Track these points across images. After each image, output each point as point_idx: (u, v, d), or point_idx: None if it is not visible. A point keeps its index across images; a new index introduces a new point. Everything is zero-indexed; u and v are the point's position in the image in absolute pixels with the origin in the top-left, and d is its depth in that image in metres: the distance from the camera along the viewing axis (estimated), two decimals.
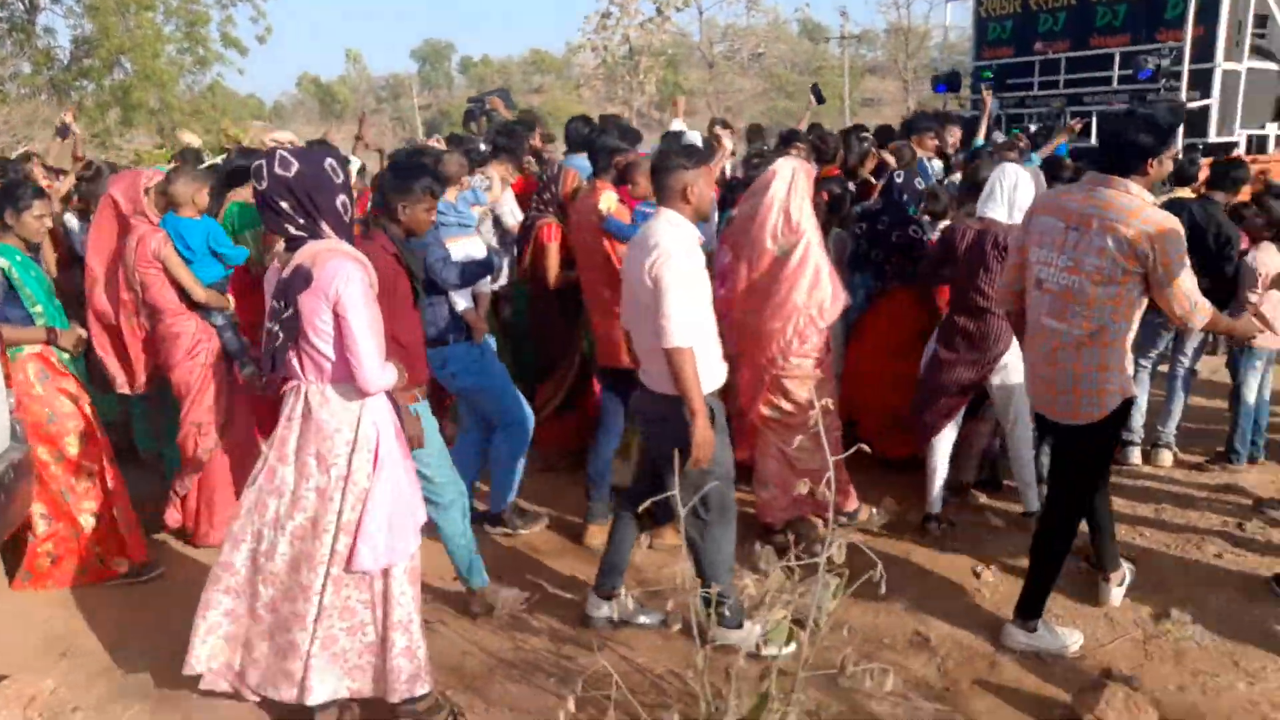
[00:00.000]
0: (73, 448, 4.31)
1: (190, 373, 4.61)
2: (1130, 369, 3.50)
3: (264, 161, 2.99)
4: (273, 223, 3.04)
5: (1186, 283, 3.27)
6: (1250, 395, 5.25)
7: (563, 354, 5.29)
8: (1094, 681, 3.34)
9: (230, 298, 4.75)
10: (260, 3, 27.37)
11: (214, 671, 3.26)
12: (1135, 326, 3.44)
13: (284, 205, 2.98)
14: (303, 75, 55.30)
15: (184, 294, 4.54)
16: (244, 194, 5.17)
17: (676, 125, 7.50)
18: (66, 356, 4.37)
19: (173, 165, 5.57)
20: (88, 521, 4.36)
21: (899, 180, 5.38)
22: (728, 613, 3.60)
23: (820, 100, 8.95)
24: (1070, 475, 3.68)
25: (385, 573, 3.14)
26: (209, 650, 3.23)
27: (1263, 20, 9.44)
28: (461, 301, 4.47)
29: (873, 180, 6.40)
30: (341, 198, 3.05)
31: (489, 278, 4.69)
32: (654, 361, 3.52)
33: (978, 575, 4.33)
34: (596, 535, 4.65)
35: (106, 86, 24.49)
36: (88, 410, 4.38)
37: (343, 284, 2.93)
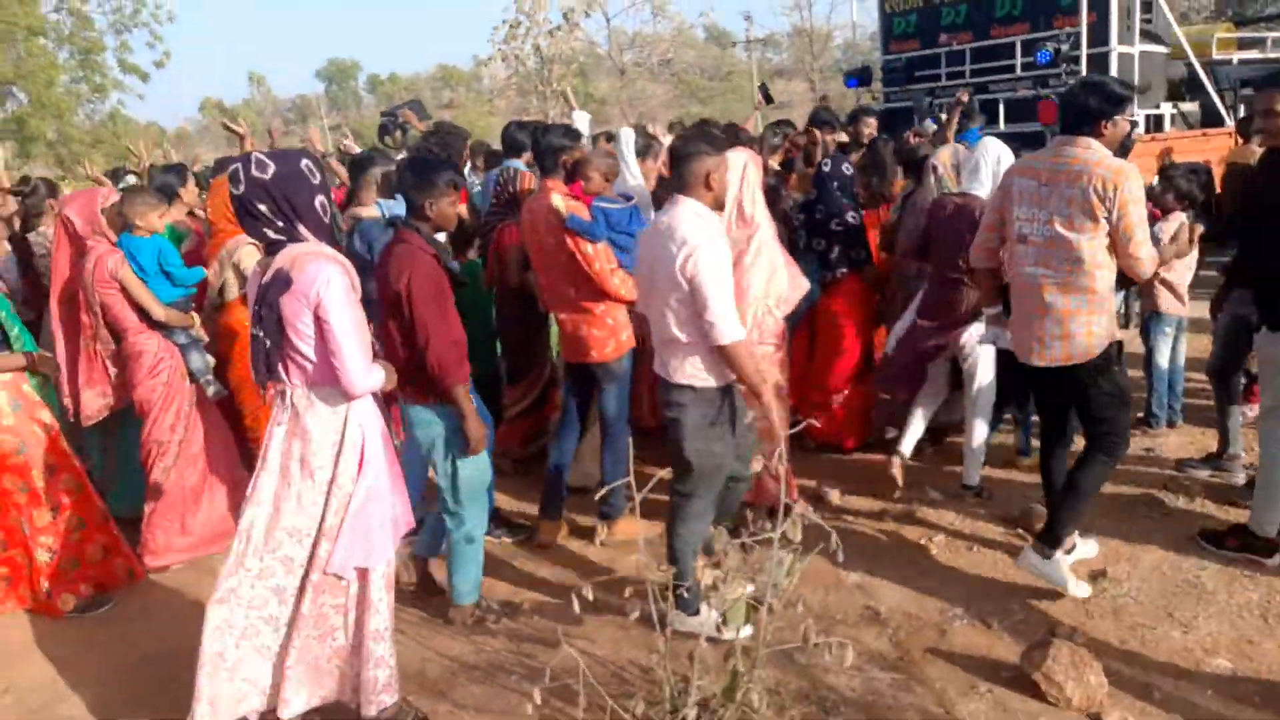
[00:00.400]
0: (40, 480, 4.21)
1: (152, 391, 4.58)
2: (1115, 316, 3.79)
3: (240, 165, 2.94)
4: (251, 227, 3.00)
5: (1142, 230, 3.57)
6: (1162, 359, 5.50)
7: (533, 358, 5.29)
8: (1040, 640, 3.46)
9: (194, 315, 4.73)
10: (156, 28, 26.66)
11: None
12: (1114, 273, 3.70)
13: (262, 208, 2.93)
14: (205, 100, 54.05)
15: (144, 313, 4.51)
16: (172, 214, 5.11)
17: (580, 116, 7.44)
18: (37, 384, 4.29)
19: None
20: (42, 556, 4.25)
21: (827, 169, 5.52)
22: (685, 594, 3.64)
23: (769, 100, 9.04)
24: (1094, 417, 3.85)
25: (363, 576, 3.11)
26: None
27: (1149, 6, 9.88)
28: None
29: (781, 170, 6.57)
30: (320, 198, 3.02)
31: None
32: (671, 353, 3.56)
33: (923, 548, 4.44)
34: (549, 532, 4.67)
35: (1, 118, 23.63)
36: (62, 442, 4.28)
37: (323, 287, 2.89)
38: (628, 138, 5.67)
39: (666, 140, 6.08)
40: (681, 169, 3.50)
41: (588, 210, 4.49)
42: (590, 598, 3.78)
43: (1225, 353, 4.84)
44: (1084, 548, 4.23)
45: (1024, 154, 4.98)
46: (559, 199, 4.42)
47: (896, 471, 4.85)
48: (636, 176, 5.55)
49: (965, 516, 4.74)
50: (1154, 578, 4.09)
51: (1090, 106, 3.63)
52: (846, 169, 5.59)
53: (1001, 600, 3.97)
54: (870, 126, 7.35)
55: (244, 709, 3.11)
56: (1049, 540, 3.90)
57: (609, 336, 4.54)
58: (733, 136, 6.43)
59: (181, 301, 4.69)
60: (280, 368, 3.01)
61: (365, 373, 2.99)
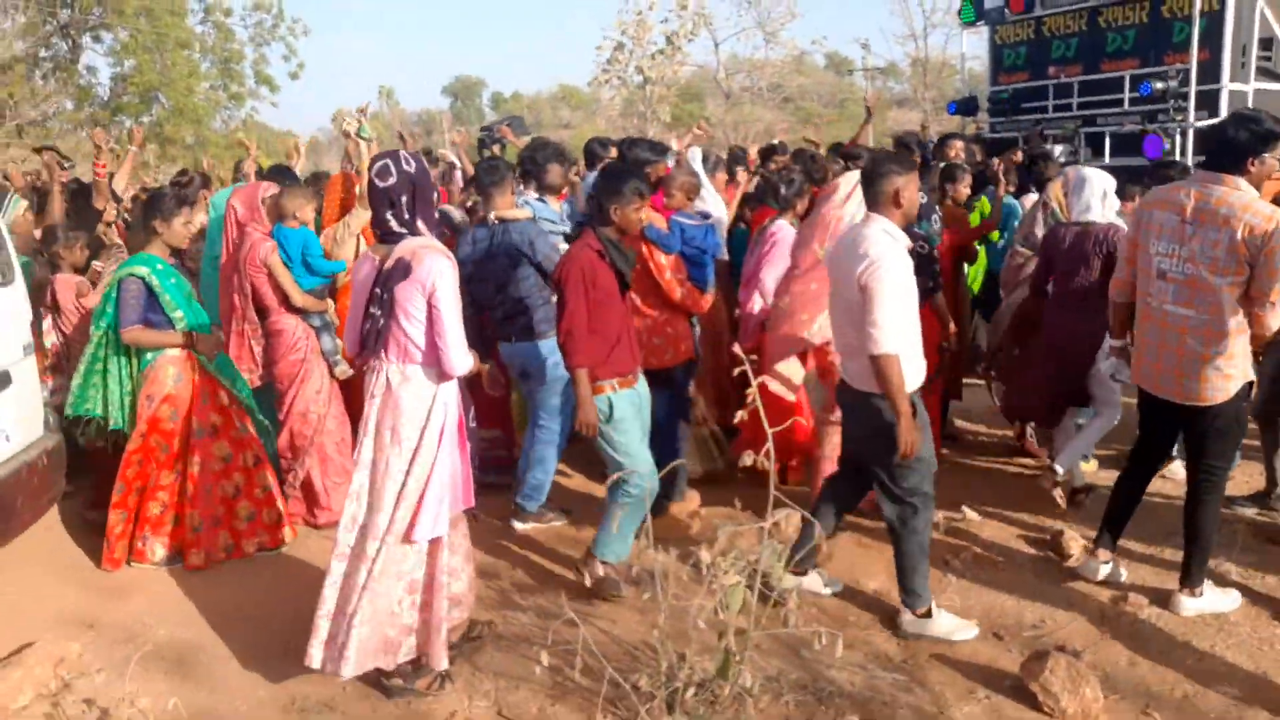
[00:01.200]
0: (178, 444, 4.72)
1: (293, 366, 5.14)
2: (1249, 355, 3.83)
3: (390, 159, 3.40)
4: (380, 216, 3.41)
5: None
6: None
7: None
8: (1039, 652, 3.57)
9: (330, 301, 5.27)
10: (293, 41, 28.20)
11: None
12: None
13: (403, 199, 3.38)
14: (338, 111, 56.18)
15: (286, 296, 5.05)
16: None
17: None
18: (223, 360, 4.84)
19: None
20: (153, 509, 4.76)
21: None
22: (910, 600, 3.93)
23: (869, 115, 9.11)
24: (1207, 452, 3.95)
25: (436, 544, 3.48)
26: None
27: (1268, 43, 9.66)
28: None
29: None
30: (433, 195, 3.48)
31: None
32: (854, 359, 3.84)
33: (948, 563, 4.55)
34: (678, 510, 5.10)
35: (146, 123, 25.31)
36: (211, 416, 4.77)
37: (438, 277, 3.32)
38: (696, 155, 5.95)
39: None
40: (873, 187, 3.75)
41: (666, 223, 4.75)
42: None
43: (1271, 394, 4.81)
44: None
45: (1130, 188, 5.13)
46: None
47: (1059, 495, 4.99)
48: (714, 195, 5.81)
49: (997, 534, 4.84)
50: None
51: (1241, 141, 3.63)
52: (920, 198, 5.63)
53: (1017, 615, 4.09)
54: (956, 149, 7.41)
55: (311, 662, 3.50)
56: (1194, 582, 4.03)
57: (668, 344, 4.81)
58: (819, 163, 6.62)
59: (318, 289, 5.24)
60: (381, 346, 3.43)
61: (464, 355, 3.41)
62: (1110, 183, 4.92)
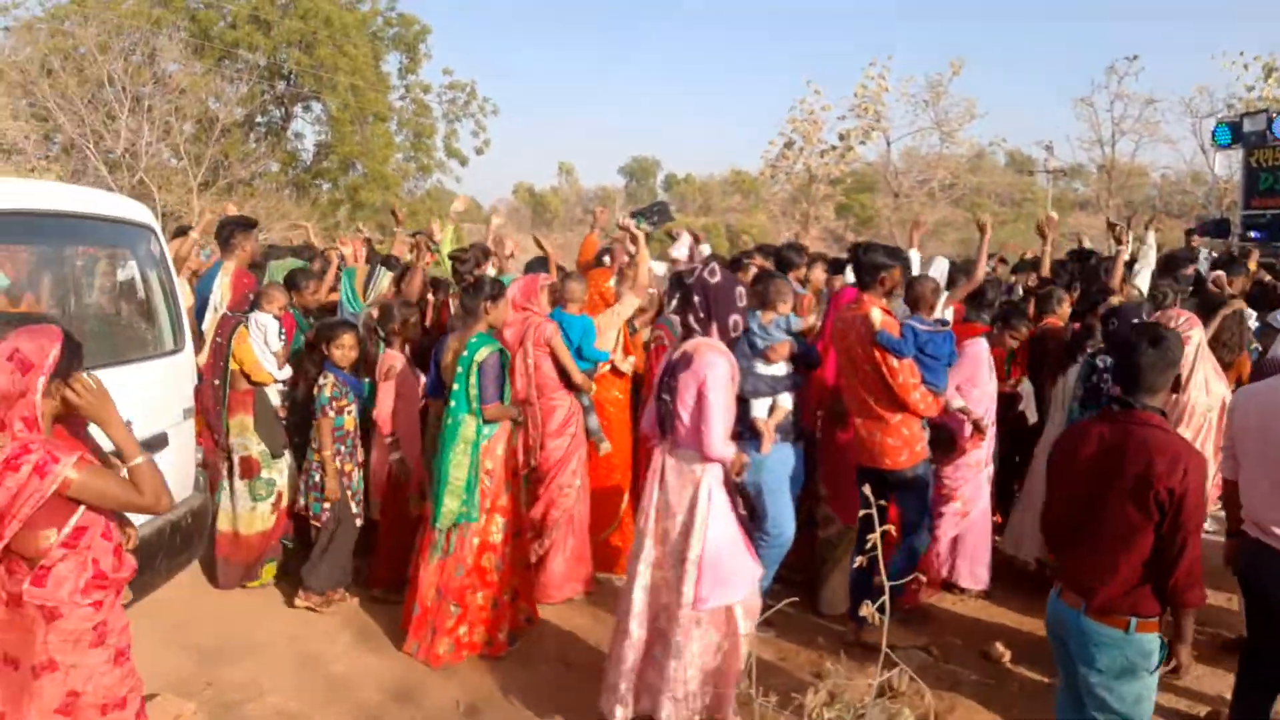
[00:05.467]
0: (509, 520, 4.95)
1: (563, 443, 5.45)
2: None
3: (715, 263, 4.06)
4: (685, 310, 4.00)
5: None
6: None
7: None
8: None
9: (594, 384, 5.66)
10: (482, 119, 29.82)
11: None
12: None
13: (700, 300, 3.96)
14: (518, 184, 58.66)
15: (563, 375, 5.42)
16: None
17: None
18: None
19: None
20: (506, 595, 4.96)
21: None
22: None
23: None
24: None
25: (728, 611, 3.86)
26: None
27: None
28: (761, 410, 5.04)
29: None
30: (734, 318, 4.00)
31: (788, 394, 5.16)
32: None
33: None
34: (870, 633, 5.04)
35: (341, 186, 27.13)
36: (517, 489, 5.10)
37: (709, 370, 3.87)
38: (941, 265, 6.02)
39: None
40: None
41: (898, 328, 4.87)
42: None
43: None
44: None
45: None
46: (878, 313, 4.85)
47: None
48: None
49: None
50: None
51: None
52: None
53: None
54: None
55: (631, 711, 3.94)
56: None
57: (903, 446, 4.93)
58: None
59: (587, 372, 5.61)
60: (660, 427, 4.04)
61: (723, 443, 3.89)
62: None
